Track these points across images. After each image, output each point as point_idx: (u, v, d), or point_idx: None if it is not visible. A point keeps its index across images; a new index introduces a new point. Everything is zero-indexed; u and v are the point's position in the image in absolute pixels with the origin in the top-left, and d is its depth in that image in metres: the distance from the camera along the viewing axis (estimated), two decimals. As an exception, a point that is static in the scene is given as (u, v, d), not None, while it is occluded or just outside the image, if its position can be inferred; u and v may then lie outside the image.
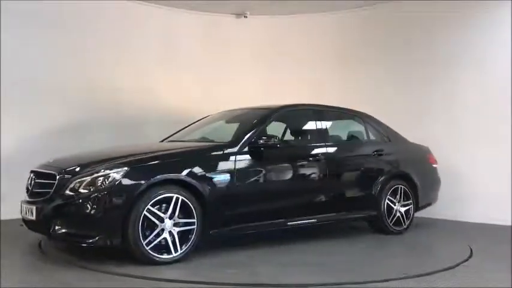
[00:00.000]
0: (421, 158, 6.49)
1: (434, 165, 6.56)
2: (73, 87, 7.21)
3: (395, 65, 7.89)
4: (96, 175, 4.27)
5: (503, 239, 5.94)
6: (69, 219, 4.28)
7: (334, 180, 5.61)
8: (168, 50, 8.19)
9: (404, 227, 6.03)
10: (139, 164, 4.45)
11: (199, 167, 4.65)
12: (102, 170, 4.30)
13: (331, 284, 3.91)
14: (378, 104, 7.35)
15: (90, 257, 4.44)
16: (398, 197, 5.98)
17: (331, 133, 5.91)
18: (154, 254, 4.26)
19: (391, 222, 5.90)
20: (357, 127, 6.28)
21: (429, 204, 6.53)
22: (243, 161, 4.93)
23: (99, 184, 4.23)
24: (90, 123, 7.31)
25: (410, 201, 6.11)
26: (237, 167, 4.85)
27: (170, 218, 4.36)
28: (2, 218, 6.20)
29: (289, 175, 5.31)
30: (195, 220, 4.47)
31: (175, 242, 4.37)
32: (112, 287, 3.78)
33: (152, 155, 4.67)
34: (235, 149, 4.93)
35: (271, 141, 5.04)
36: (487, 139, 6.95)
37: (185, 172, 4.53)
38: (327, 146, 5.63)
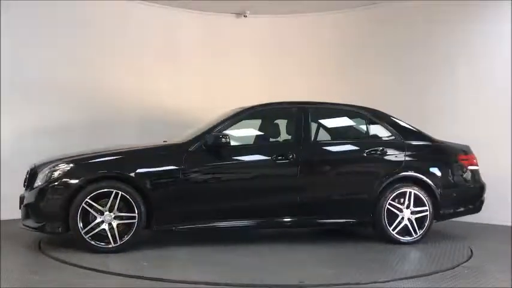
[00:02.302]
0: (448, 159, 5.77)
1: (470, 167, 5.80)
2: (73, 87, 7.21)
3: (395, 65, 7.88)
4: (48, 170, 4.76)
5: (503, 239, 5.95)
6: (32, 208, 4.78)
7: (302, 182, 5.27)
8: (168, 50, 8.18)
9: (415, 236, 5.40)
10: (84, 161, 4.91)
11: (147, 165, 4.90)
12: (56, 166, 4.77)
13: (223, 283, 3.85)
14: (377, 103, 7.32)
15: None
16: (407, 202, 5.40)
17: (317, 131, 5.71)
18: (92, 242, 4.63)
19: (393, 230, 5.36)
20: (354, 124, 5.91)
21: (466, 212, 5.87)
22: (194, 160, 5.02)
23: (49, 178, 4.71)
24: (90, 123, 7.31)
25: (426, 207, 5.45)
26: (186, 166, 4.96)
27: (110, 211, 4.65)
28: (2, 218, 6.20)
29: (244, 175, 5.25)
30: (135, 215, 4.72)
31: (115, 233, 4.67)
32: (112, 286, 3.78)
33: (101, 153, 5.02)
34: (188, 148, 5.03)
35: (224, 141, 5.02)
36: (486, 139, 6.93)
37: (129, 170, 4.81)
38: (301, 145, 5.34)
